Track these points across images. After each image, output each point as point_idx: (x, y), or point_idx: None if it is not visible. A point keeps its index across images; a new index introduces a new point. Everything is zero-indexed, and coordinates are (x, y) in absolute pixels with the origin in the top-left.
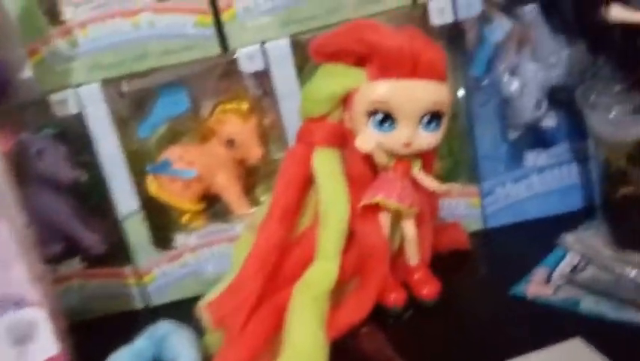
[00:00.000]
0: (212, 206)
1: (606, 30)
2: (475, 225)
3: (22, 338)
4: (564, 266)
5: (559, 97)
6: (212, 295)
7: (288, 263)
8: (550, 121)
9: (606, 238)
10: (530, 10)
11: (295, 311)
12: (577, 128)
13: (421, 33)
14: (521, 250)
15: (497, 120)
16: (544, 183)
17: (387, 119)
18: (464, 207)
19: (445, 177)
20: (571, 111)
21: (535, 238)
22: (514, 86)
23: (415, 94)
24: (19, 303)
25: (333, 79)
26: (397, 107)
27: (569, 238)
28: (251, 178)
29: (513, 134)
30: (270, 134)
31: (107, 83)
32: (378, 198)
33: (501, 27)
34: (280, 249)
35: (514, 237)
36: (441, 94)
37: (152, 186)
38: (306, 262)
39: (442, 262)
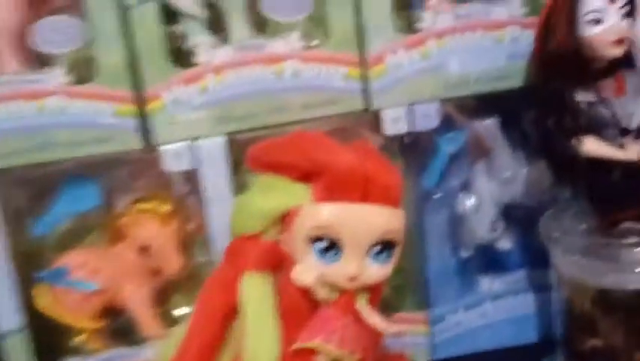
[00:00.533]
0: (114, 322)
1: (574, 162)
2: (422, 356)
3: None
4: None
5: (515, 216)
6: None
7: None
8: (506, 243)
9: None
10: (490, 123)
11: None
12: (535, 253)
13: (376, 152)
14: None
15: (448, 238)
16: (499, 311)
17: (331, 247)
18: (411, 335)
19: (392, 299)
20: (529, 234)
21: None
22: (468, 202)
23: (366, 221)
24: None
25: (272, 194)
26: (344, 235)
27: None
28: (168, 287)
29: (465, 253)
30: (193, 237)
31: (1, 172)
32: (316, 342)
33: (457, 138)
34: None
35: None
36: (394, 222)
37: (42, 297)
38: None
39: None
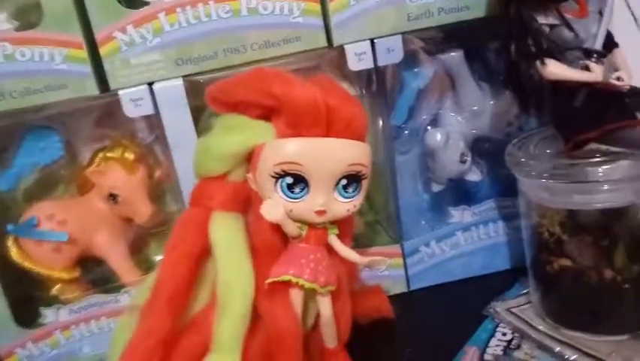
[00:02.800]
0: (92, 272)
1: (538, 85)
2: (398, 287)
3: None
4: (496, 343)
5: (483, 149)
6: None
7: (183, 348)
8: (474, 175)
9: (539, 309)
10: (454, 57)
11: None
12: (504, 184)
13: (337, 85)
14: (448, 319)
15: (419, 173)
16: (470, 241)
17: (297, 183)
18: (386, 267)
19: (366, 234)
20: (496, 165)
21: (462, 303)
22: (437, 137)
23: (330, 154)
24: None
25: (235, 133)
26: (310, 170)
27: (498, 308)
28: (141, 235)
29: (436, 188)
30: (164, 184)
31: None
32: (289, 275)
33: (423, 73)
34: (167, 341)
35: (439, 301)
36: (359, 154)
37: (13, 249)
38: (204, 351)
39: (362, 335)
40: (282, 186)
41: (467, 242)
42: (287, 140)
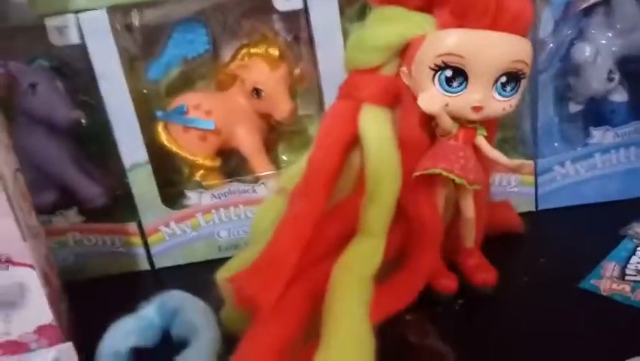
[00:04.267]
0: (228, 162)
1: None
2: (526, 205)
3: (9, 302)
4: (637, 260)
5: (630, 68)
6: (233, 267)
7: (325, 235)
8: (619, 95)
9: None
10: None
11: (337, 295)
12: None
13: None
14: (581, 237)
15: (556, 91)
16: (608, 164)
17: (457, 76)
18: (515, 185)
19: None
20: None
21: (595, 225)
22: (587, 51)
23: (494, 48)
24: (6, 262)
25: (393, 25)
26: (471, 63)
27: (638, 229)
28: (272, 135)
29: (575, 108)
30: (297, 86)
31: (114, 10)
32: (439, 169)
33: None
34: (320, 220)
35: (570, 222)
36: (523, 51)
37: (163, 135)
38: (348, 235)
39: (494, 246)
40: (440, 79)
41: (605, 165)
42: (451, 31)
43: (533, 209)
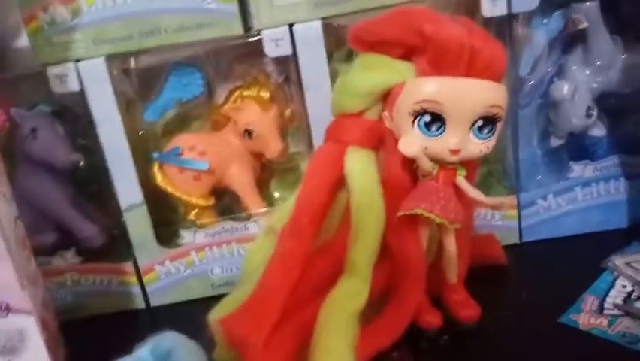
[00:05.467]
0: (221, 200)
1: None
2: (511, 238)
3: (9, 348)
4: (616, 294)
5: (608, 104)
6: (225, 307)
7: (312, 275)
8: (598, 130)
9: None
10: (589, 6)
11: (324, 335)
12: (628, 140)
13: (478, 26)
14: (563, 270)
15: (538, 126)
16: (589, 197)
17: (435, 121)
18: (499, 218)
19: (482, 184)
20: (621, 121)
21: (577, 257)
22: (564, 89)
23: (470, 94)
24: (5, 310)
25: (376, 72)
26: (448, 109)
27: (617, 261)
28: (264, 173)
29: (555, 142)
30: (288, 126)
31: (112, 58)
32: (420, 209)
33: (554, 24)
34: (308, 259)
35: (552, 254)
36: (498, 96)
37: (158, 175)
38: (335, 274)
39: (477, 279)
40: (419, 124)
41: (586, 198)
42: (429, 78)
43: (517, 241)
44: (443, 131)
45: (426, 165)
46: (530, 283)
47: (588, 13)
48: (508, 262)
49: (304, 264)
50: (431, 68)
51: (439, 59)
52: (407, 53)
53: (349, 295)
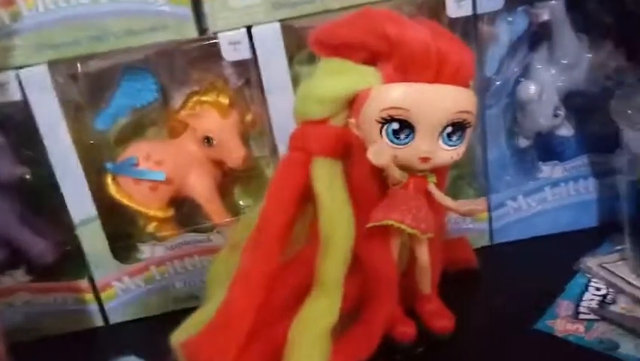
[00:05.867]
0: (180, 211)
1: None
2: (481, 240)
3: None
4: (590, 297)
5: (575, 103)
6: (188, 329)
7: (281, 291)
8: (565, 130)
9: (635, 265)
10: (555, 5)
11: (296, 355)
12: (596, 140)
13: (444, 29)
14: (536, 272)
15: (505, 127)
16: (559, 197)
17: (403, 128)
18: (470, 221)
19: (452, 186)
20: (588, 120)
21: (549, 258)
22: (531, 89)
23: (439, 101)
24: None
25: (340, 77)
26: (417, 116)
27: (590, 263)
28: (226, 180)
29: (523, 142)
30: (249, 130)
31: (56, 64)
32: (391, 220)
33: (518, 23)
34: (274, 275)
35: (524, 256)
36: (467, 102)
37: (112, 187)
38: (303, 289)
39: (449, 283)
40: (387, 132)
41: (555, 198)
42: (395, 85)
43: (488, 243)
44: (412, 138)
45: (396, 174)
46: (503, 287)
47: (554, 12)
48: (480, 265)
49: (270, 282)
50: (397, 73)
51: (405, 65)
52: (372, 58)
53: (320, 313)
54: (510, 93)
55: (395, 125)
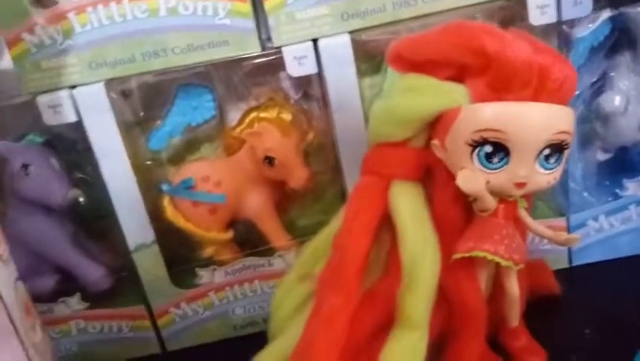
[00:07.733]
0: (237, 233)
1: None
2: (560, 263)
3: None
4: None
5: None
6: None
7: (360, 330)
8: None
9: None
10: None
11: None
12: None
13: (543, 42)
14: (623, 297)
15: (590, 140)
16: None
17: (497, 152)
18: (547, 241)
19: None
20: None
21: (634, 281)
22: (616, 101)
23: (537, 121)
24: None
25: (424, 96)
26: (513, 138)
27: None
28: (284, 199)
29: (603, 156)
30: (309, 148)
31: (111, 84)
32: (483, 251)
33: (599, 29)
34: (356, 316)
35: (607, 279)
36: (566, 121)
37: (169, 209)
38: (384, 325)
39: (532, 313)
40: (479, 155)
41: None
42: (489, 104)
43: (567, 265)
44: (507, 162)
45: (489, 202)
46: (590, 316)
47: (638, 18)
48: (562, 290)
49: (351, 321)
50: (490, 91)
51: (501, 82)
52: (459, 74)
53: (407, 353)
54: (587, 102)
55: (488, 149)
